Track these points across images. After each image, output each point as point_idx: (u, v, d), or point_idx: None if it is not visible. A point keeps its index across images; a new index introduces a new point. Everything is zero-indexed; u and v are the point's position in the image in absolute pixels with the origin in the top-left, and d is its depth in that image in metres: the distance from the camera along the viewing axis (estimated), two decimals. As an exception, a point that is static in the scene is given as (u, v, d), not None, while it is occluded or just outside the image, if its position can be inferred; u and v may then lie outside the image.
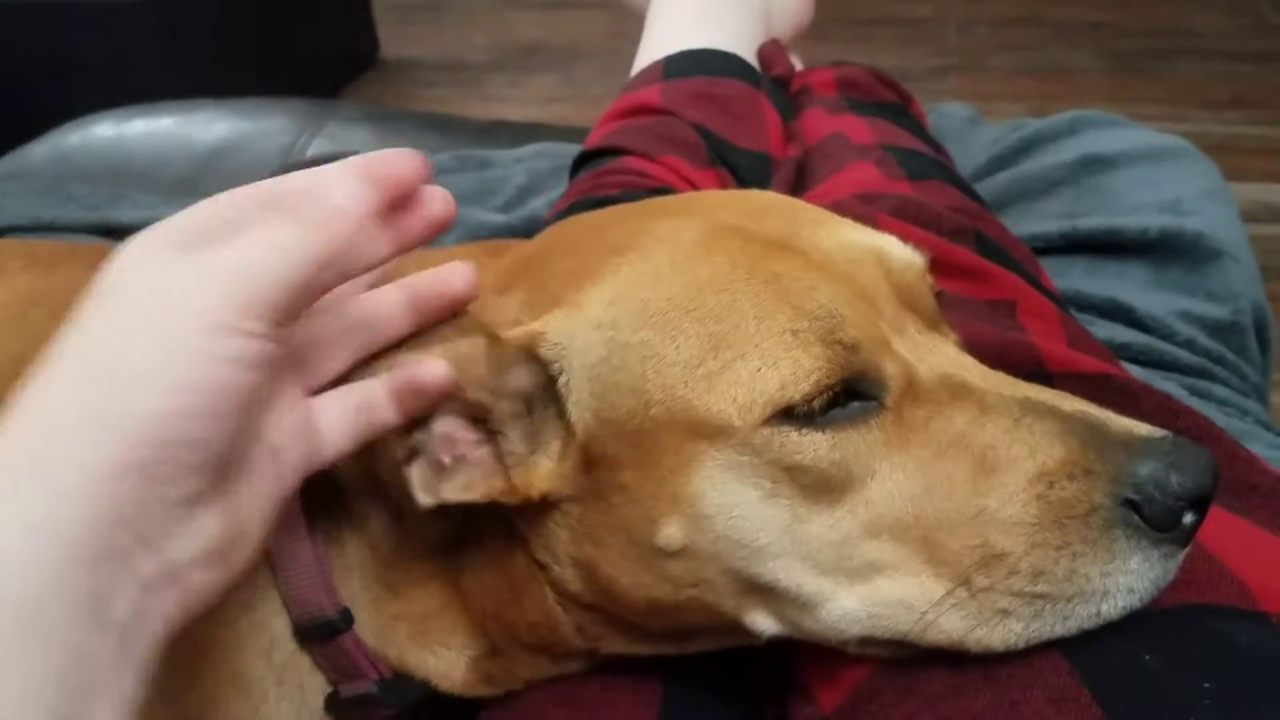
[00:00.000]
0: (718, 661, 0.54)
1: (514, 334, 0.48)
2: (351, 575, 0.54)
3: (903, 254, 0.52)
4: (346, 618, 0.54)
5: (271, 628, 0.54)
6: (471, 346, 0.47)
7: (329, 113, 1.39)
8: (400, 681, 0.56)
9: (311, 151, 1.31)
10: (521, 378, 0.48)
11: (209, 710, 0.53)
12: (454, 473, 0.49)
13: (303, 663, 0.55)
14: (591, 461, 0.48)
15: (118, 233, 1.10)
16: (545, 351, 0.48)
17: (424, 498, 0.48)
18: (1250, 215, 1.37)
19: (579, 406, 0.48)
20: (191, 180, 1.28)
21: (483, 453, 0.49)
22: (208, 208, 0.42)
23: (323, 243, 0.41)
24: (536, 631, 0.53)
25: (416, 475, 0.48)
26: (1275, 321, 0.98)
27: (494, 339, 0.48)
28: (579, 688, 0.55)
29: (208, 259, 0.39)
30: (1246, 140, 2.44)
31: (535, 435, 0.49)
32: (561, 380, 0.48)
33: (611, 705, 0.54)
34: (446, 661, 0.55)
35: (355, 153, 1.22)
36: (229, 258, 0.39)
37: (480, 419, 0.49)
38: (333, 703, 0.56)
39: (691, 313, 0.46)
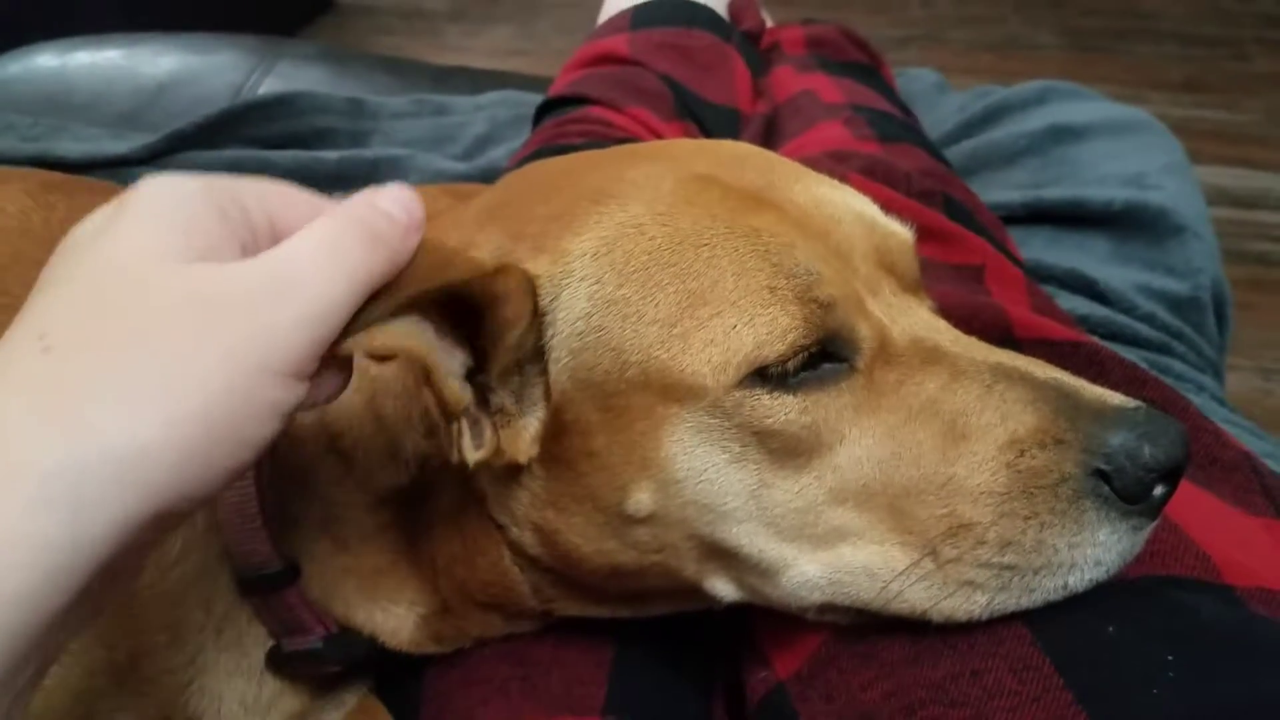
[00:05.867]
0: (671, 624, 0.53)
1: (534, 266, 0.45)
2: (298, 526, 0.52)
3: (887, 221, 0.50)
4: (291, 571, 0.52)
5: (212, 578, 0.52)
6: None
7: (281, 51, 1.34)
8: (346, 637, 0.54)
9: (263, 90, 1.26)
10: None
11: (143, 660, 0.51)
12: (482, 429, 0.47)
13: (243, 615, 0.53)
14: (562, 427, 0.46)
15: (57, 165, 1.06)
16: (542, 300, 0.45)
17: (474, 453, 0.46)
18: (1202, 198, 1.39)
19: (557, 365, 0.46)
20: (135, 115, 1.23)
21: (475, 409, 0.47)
22: (211, 209, 0.37)
23: (384, 259, 0.38)
24: (490, 591, 0.52)
25: (468, 430, 0.46)
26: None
27: (519, 271, 0.44)
28: (530, 646, 0.54)
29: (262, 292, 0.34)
30: (1199, 123, 2.47)
31: (520, 395, 0.47)
32: (547, 335, 0.46)
33: (563, 664, 0.53)
34: (395, 618, 0.53)
35: (308, 91, 1.17)
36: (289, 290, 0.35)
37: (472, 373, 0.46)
38: (275, 657, 0.54)
39: (671, 268, 0.44)
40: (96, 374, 0.32)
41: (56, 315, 0.33)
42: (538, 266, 0.45)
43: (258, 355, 0.34)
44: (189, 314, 0.33)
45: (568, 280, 0.45)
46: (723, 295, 0.43)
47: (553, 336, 0.46)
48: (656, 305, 0.44)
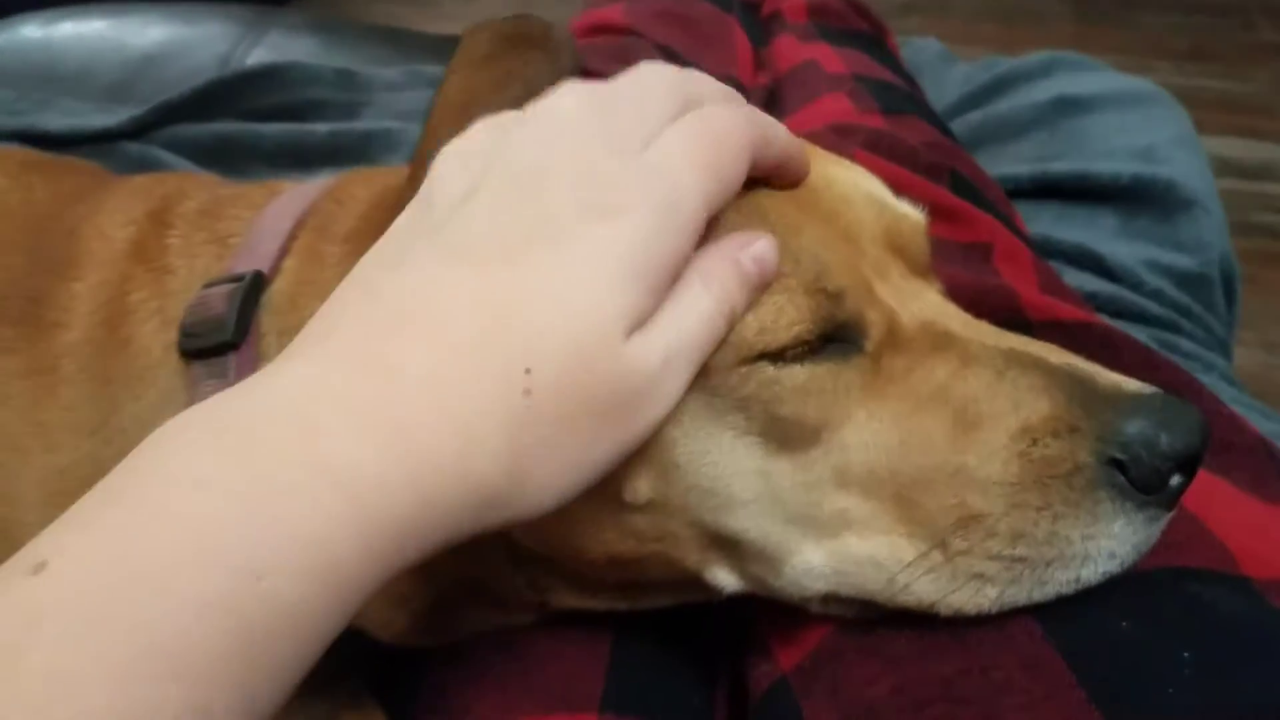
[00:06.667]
0: (671, 617, 0.52)
1: None
2: None
3: (898, 203, 0.49)
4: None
5: None
6: None
7: (271, 20, 1.32)
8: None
9: (251, 61, 1.24)
10: None
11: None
12: None
13: None
14: None
15: (41, 140, 1.04)
16: None
17: None
18: (1208, 169, 1.37)
19: None
20: (123, 87, 1.20)
21: None
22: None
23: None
24: (484, 583, 0.51)
25: None
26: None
27: None
28: (525, 639, 0.53)
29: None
30: (1205, 93, 2.44)
31: None
32: None
33: (558, 658, 0.52)
34: (387, 611, 0.52)
35: (298, 62, 1.14)
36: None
37: None
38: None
39: None
40: (545, 447, 0.35)
41: (545, 357, 0.34)
42: None
43: (628, 448, 0.38)
44: (609, 407, 0.36)
45: None
46: None
47: None
48: None
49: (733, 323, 0.40)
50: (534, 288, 0.35)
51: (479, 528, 0.35)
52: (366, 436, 0.31)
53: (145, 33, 1.28)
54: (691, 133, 0.39)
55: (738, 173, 0.40)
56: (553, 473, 0.35)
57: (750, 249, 0.40)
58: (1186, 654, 0.39)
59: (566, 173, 0.37)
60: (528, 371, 0.34)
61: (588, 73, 0.96)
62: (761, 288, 0.41)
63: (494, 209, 0.37)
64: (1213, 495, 0.48)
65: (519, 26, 0.48)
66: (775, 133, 0.43)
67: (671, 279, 0.38)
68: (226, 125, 1.09)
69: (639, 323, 0.36)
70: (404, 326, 0.34)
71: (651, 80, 0.41)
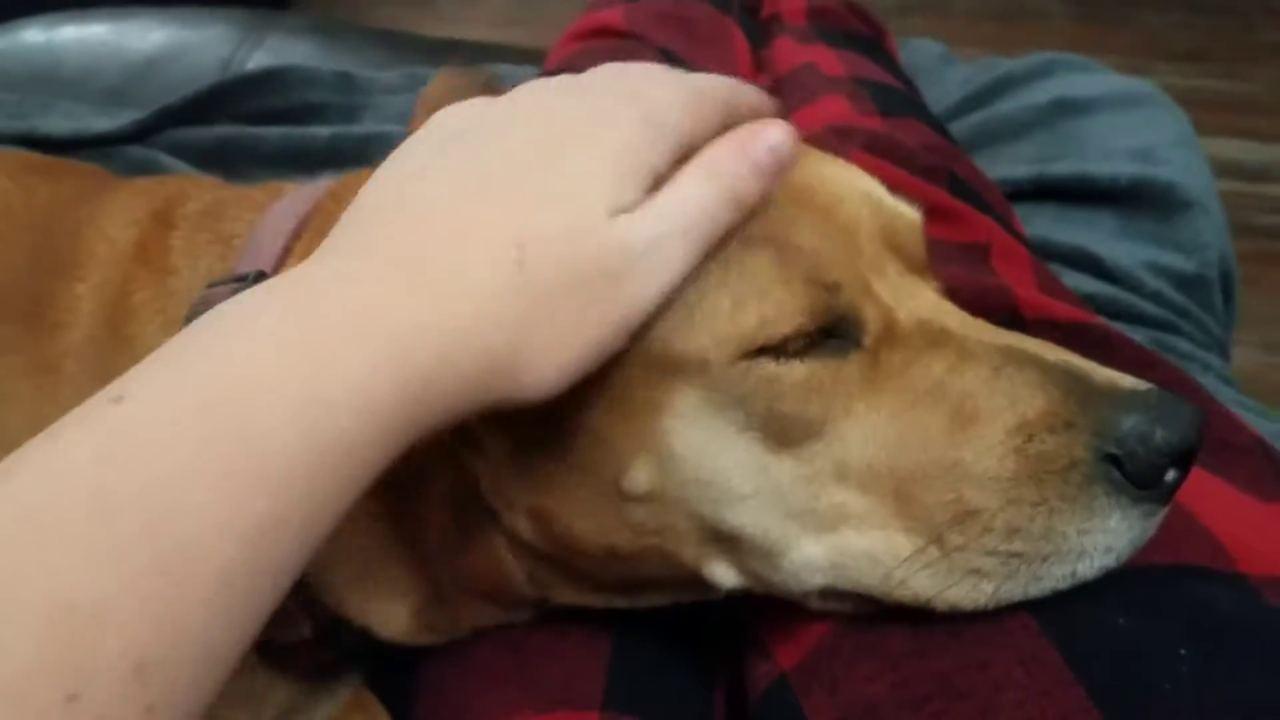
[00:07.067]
0: (671, 616, 0.52)
1: None
2: None
3: (894, 201, 0.49)
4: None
5: None
6: None
7: (271, 24, 1.32)
8: (337, 628, 0.53)
9: (251, 64, 1.24)
10: None
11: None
12: None
13: None
14: (556, 401, 0.45)
15: (43, 143, 1.04)
16: None
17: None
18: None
19: None
20: (125, 90, 1.20)
21: None
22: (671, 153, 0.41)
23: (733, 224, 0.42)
24: (485, 579, 0.51)
25: None
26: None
27: None
28: (526, 637, 0.53)
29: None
30: (1204, 94, 2.44)
31: None
32: None
33: (559, 656, 0.52)
34: (388, 609, 0.52)
35: (297, 65, 1.14)
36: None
37: None
38: (265, 648, 0.53)
39: None
40: (542, 316, 0.37)
41: (534, 234, 0.38)
42: None
43: (626, 324, 0.39)
44: (594, 279, 0.38)
45: None
46: (725, 269, 0.42)
47: None
48: None
49: (742, 210, 0.41)
50: (530, 186, 0.39)
51: (492, 399, 0.37)
52: (402, 300, 0.36)
53: (146, 37, 1.29)
54: (671, 80, 0.44)
55: (715, 119, 0.43)
56: (550, 341, 0.37)
57: (762, 136, 0.42)
58: (1184, 651, 0.39)
59: (564, 106, 0.42)
60: (520, 245, 0.37)
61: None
62: (777, 174, 0.42)
63: (501, 137, 0.41)
64: (1209, 493, 0.48)
65: (473, 78, 0.52)
66: (748, 97, 0.47)
67: (653, 185, 0.40)
68: (228, 129, 1.09)
69: (626, 210, 0.39)
70: (433, 226, 0.38)
71: (632, 64, 0.47)
